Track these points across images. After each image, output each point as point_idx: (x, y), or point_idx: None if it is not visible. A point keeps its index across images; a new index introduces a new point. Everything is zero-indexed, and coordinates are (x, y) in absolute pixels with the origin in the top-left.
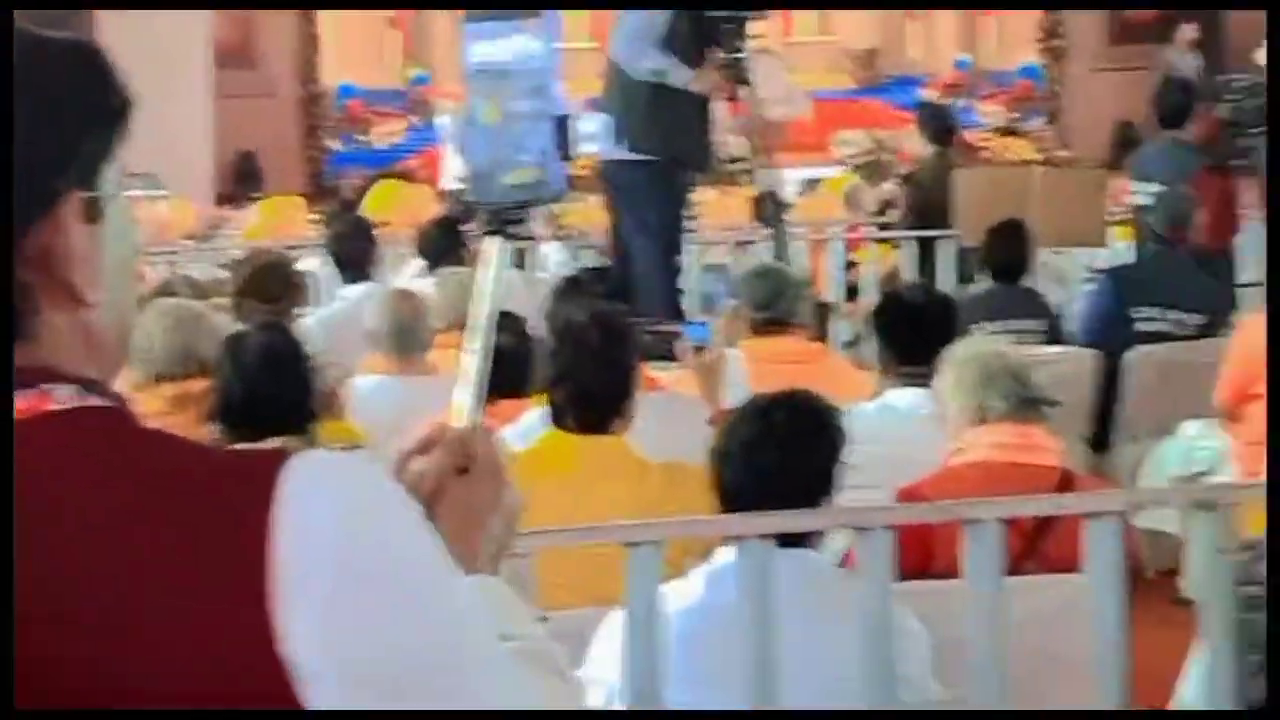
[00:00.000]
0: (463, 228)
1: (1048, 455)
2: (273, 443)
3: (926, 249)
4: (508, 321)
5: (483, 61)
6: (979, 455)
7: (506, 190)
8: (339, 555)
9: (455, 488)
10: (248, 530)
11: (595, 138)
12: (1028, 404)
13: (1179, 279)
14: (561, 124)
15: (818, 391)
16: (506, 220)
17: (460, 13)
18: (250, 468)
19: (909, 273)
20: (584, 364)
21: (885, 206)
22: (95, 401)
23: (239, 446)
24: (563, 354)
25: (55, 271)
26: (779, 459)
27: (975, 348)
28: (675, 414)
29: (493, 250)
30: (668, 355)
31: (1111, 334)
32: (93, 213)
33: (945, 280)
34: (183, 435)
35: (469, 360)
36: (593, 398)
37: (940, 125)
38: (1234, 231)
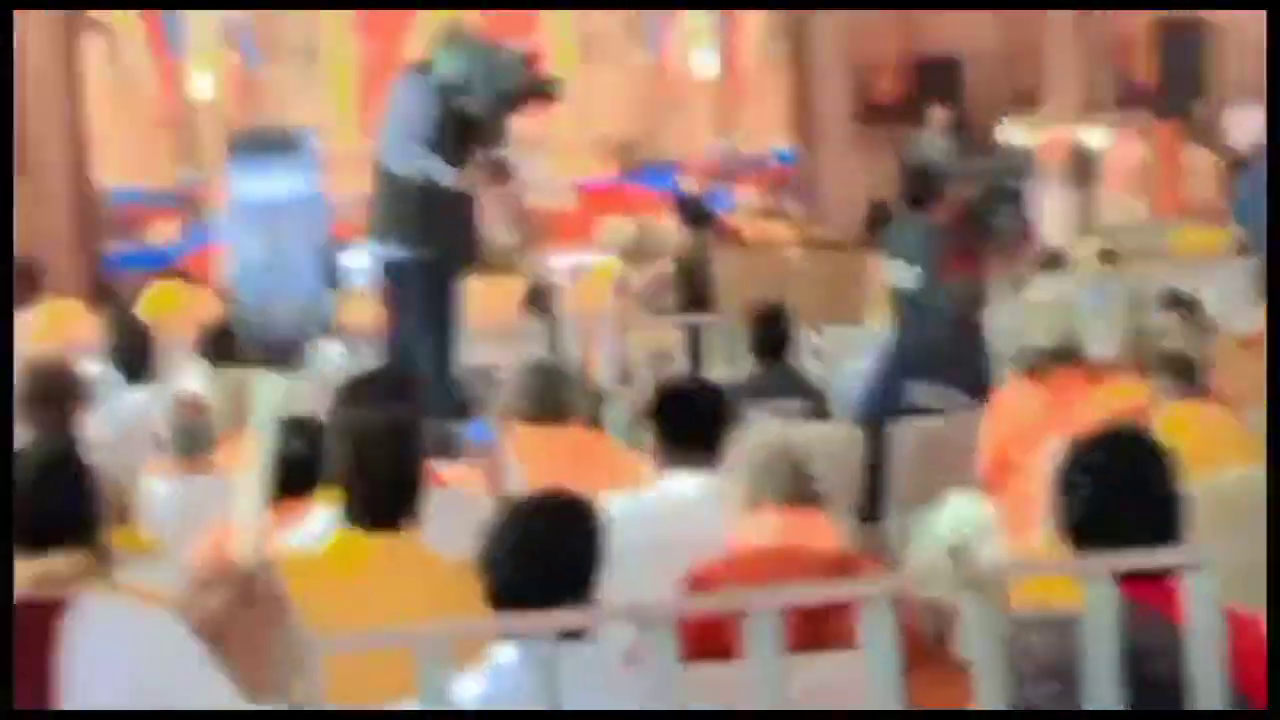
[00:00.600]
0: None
1: (827, 539)
2: (57, 556)
3: (694, 332)
4: (298, 424)
5: (250, 197)
6: (763, 540)
7: (278, 325)
8: (126, 704)
9: (241, 622)
10: (32, 683)
11: (365, 271)
12: (808, 490)
13: (954, 356)
14: (329, 257)
15: (592, 483)
16: (282, 353)
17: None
18: (29, 619)
19: (679, 356)
20: (372, 464)
21: (654, 291)
22: None
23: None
24: (351, 455)
25: None
26: (544, 560)
27: (759, 436)
28: (461, 511)
29: (268, 388)
30: (452, 453)
31: (885, 408)
32: None
33: (713, 362)
34: None
35: (247, 494)
36: (382, 498)
37: (696, 212)
38: (983, 305)
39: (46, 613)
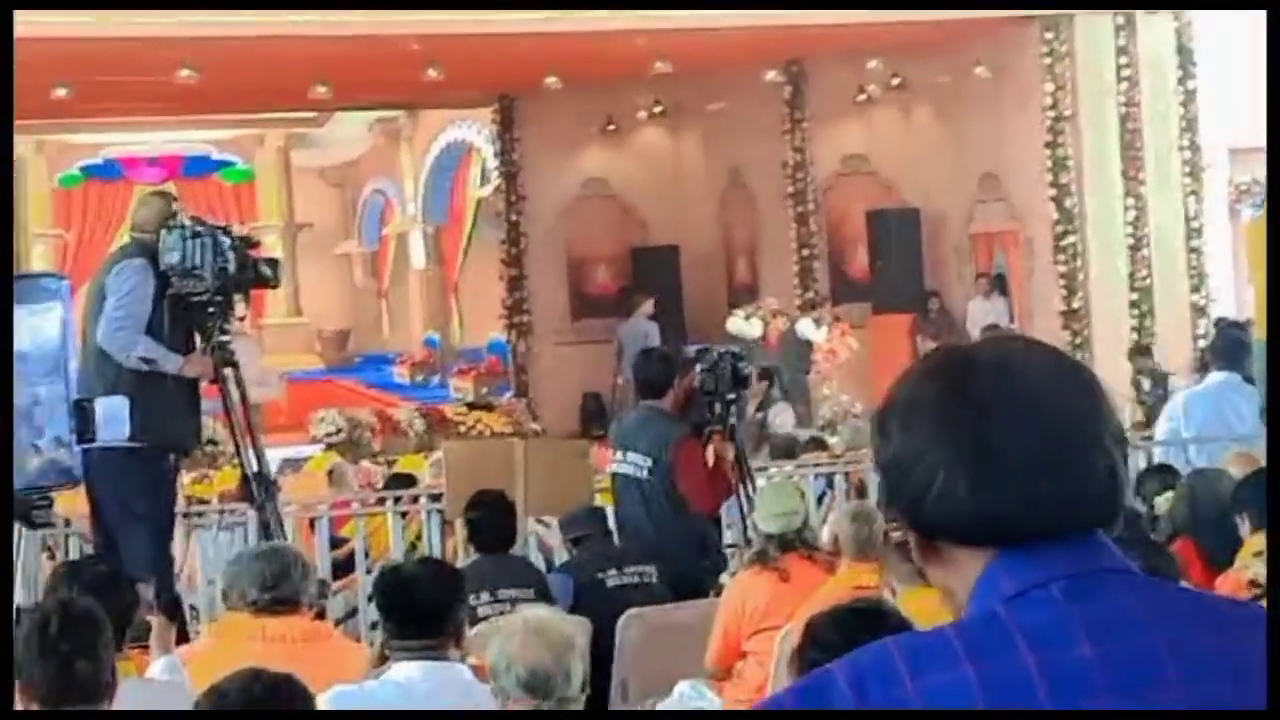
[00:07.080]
0: None
1: None
2: None
3: None
4: None
5: None
6: None
7: (26, 477)
8: None
9: None
10: None
11: (117, 420)
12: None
13: (673, 546)
14: (80, 408)
15: (318, 672)
16: (30, 506)
17: None
18: None
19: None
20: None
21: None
22: None
23: None
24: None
25: None
26: None
27: (510, 630)
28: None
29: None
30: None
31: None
32: None
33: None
34: None
35: None
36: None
37: None
38: (725, 494)
39: None
